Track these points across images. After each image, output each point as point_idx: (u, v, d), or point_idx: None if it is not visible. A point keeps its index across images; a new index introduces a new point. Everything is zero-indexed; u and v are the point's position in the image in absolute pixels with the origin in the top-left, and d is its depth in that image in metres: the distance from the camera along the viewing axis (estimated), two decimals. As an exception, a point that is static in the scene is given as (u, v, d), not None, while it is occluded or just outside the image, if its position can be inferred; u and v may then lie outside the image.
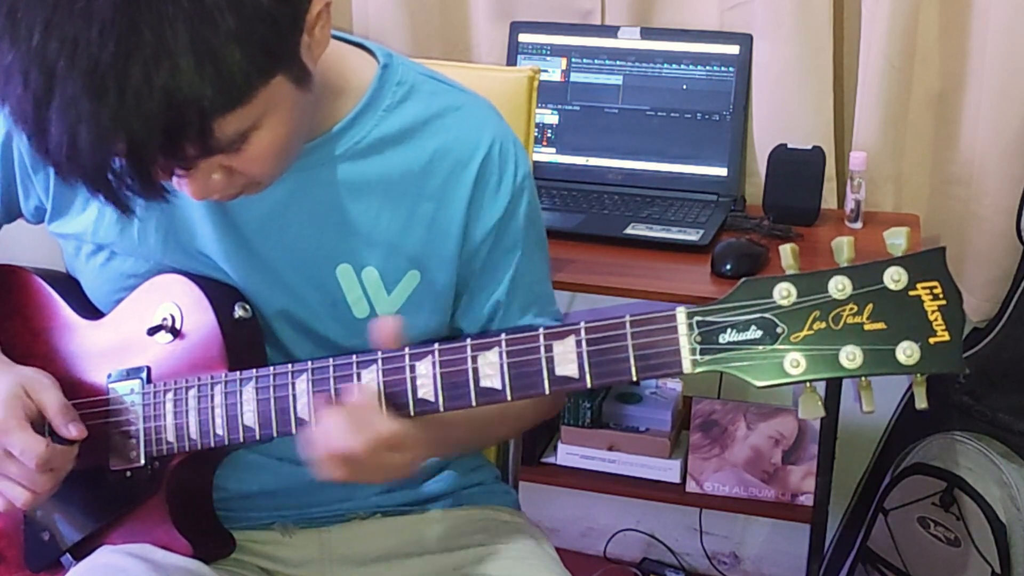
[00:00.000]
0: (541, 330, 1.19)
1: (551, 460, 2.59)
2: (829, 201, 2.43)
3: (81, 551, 1.43)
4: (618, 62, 2.52)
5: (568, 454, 2.57)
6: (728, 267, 2.12)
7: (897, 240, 1.07)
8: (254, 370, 1.32)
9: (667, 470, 2.51)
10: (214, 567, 1.41)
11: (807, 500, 2.42)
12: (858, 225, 2.35)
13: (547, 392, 1.19)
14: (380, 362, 1.25)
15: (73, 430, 1.35)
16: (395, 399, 1.25)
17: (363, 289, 1.41)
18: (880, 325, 1.06)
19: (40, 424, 1.35)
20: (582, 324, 1.17)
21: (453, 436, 1.43)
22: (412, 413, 1.24)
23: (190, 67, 1.06)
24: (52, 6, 1.06)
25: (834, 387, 2.15)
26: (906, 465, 2.39)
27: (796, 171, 2.36)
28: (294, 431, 1.30)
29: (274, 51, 1.13)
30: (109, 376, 1.42)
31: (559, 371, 1.18)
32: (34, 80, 1.07)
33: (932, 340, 1.05)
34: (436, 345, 1.24)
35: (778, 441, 2.46)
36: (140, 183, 1.12)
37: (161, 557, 1.38)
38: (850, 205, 2.35)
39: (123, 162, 1.10)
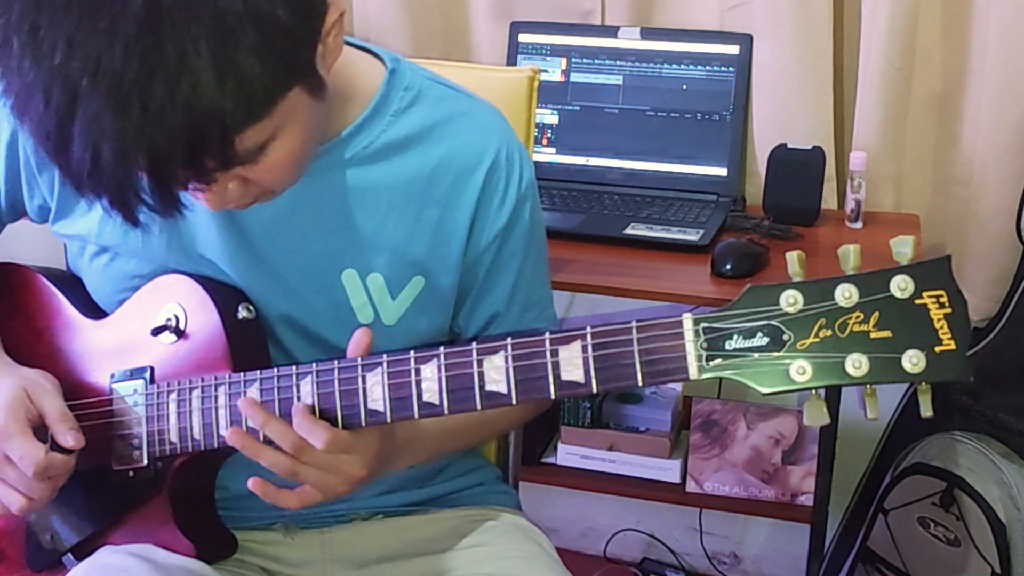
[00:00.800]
0: (547, 335, 1.19)
1: (551, 460, 2.60)
2: (829, 201, 2.44)
3: (83, 551, 1.43)
4: (618, 62, 2.52)
5: (568, 454, 2.57)
6: (728, 267, 2.12)
7: (903, 248, 1.07)
8: (258, 371, 1.32)
9: (667, 470, 2.52)
10: (216, 567, 1.41)
11: (807, 500, 2.43)
12: (858, 225, 2.34)
13: (553, 396, 1.19)
14: (385, 365, 1.25)
15: (71, 439, 1.35)
16: (399, 402, 1.25)
17: (368, 295, 1.41)
18: (886, 333, 1.06)
19: (41, 429, 1.35)
20: (588, 329, 1.17)
21: (417, 448, 1.43)
22: (417, 416, 1.24)
23: (211, 82, 1.06)
24: (75, 24, 1.06)
25: (835, 389, 2.14)
26: (906, 465, 2.39)
27: (796, 171, 2.36)
28: None
29: (292, 64, 1.13)
30: (112, 376, 1.42)
31: (565, 376, 1.18)
32: (56, 98, 1.07)
33: (938, 349, 1.05)
34: (442, 349, 1.24)
35: (778, 441, 2.46)
36: (161, 198, 1.13)
37: (163, 557, 1.38)
38: (850, 205, 2.35)
39: (144, 178, 1.10)
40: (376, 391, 1.25)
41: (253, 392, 1.32)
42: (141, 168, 1.09)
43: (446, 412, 1.23)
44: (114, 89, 1.05)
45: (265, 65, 1.09)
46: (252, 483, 1.28)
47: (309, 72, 1.17)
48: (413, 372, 1.24)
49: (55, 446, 1.34)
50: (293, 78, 1.14)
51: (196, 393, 1.36)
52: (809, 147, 2.37)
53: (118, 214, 1.14)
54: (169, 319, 1.39)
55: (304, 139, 1.21)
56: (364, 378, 1.26)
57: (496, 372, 1.21)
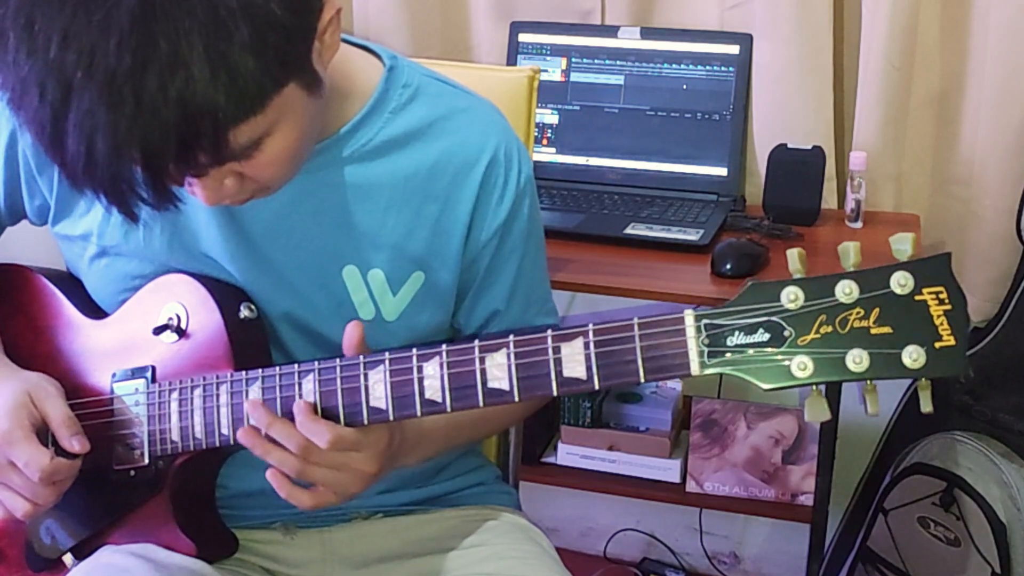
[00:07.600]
0: (549, 332, 1.19)
1: (551, 460, 2.60)
2: (829, 201, 2.44)
3: (83, 551, 1.43)
4: (618, 62, 2.52)
5: (568, 454, 2.57)
6: (728, 267, 2.12)
7: (903, 246, 1.07)
8: (260, 370, 1.32)
9: (667, 470, 2.52)
10: (216, 567, 1.41)
11: (807, 500, 2.42)
12: (858, 225, 2.35)
13: (555, 394, 1.19)
14: (387, 363, 1.25)
15: (76, 444, 1.35)
16: (402, 400, 1.25)
17: (369, 291, 1.41)
18: (886, 329, 1.06)
19: (45, 434, 1.35)
20: (590, 326, 1.17)
21: (426, 443, 1.43)
22: (419, 414, 1.24)
23: (205, 77, 1.06)
24: (70, 17, 1.06)
25: (835, 386, 2.15)
26: (906, 465, 2.39)
27: (796, 171, 2.36)
28: None
29: (287, 60, 1.13)
30: (114, 375, 1.42)
31: (567, 373, 1.18)
32: (51, 91, 1.07)
33: (938, 344, 1.06)
34: (444, 346, 1.24)
35: (778, 441, 2.46)
36: (154, 192, 1.13)
37: (164, 557, 1.38)
38: (850, 205, 2.35)
39: (137, 171, 1.11)
40: (378, 389, 1.26)
41: (255, 391, 1.32)
42: (135, 161, 1.09)
43: (448, 409, 1.23)
44: (108, 82, 1.05)
45: (258, 60, 1.09)
46: (270, 474, 1.27)
47: (304, 68, 1.17)
48: (415, 369, 1.24)
49: (60, 451, 1.34)
50: (288, 74, 1.14)
51: (198, 392, 1.36)
52: (809, 147, 2.37)
53: (115, 208, 1.15)
54: (171, 318, 1.39)
55: (300, 135, 1.21)
56: (366, 376, 1.26)
57: (498, 369, 1.21)
